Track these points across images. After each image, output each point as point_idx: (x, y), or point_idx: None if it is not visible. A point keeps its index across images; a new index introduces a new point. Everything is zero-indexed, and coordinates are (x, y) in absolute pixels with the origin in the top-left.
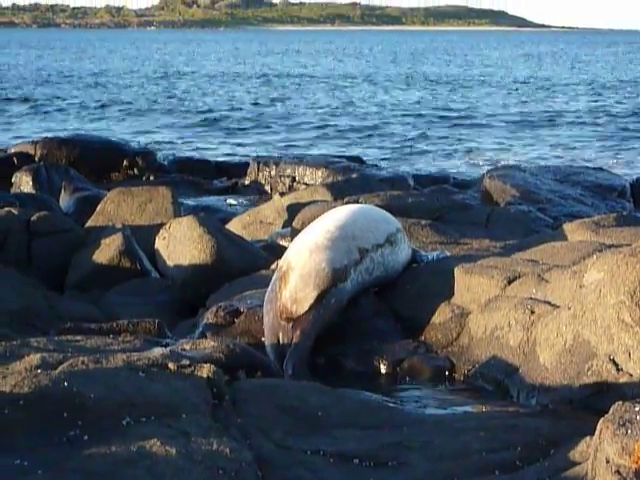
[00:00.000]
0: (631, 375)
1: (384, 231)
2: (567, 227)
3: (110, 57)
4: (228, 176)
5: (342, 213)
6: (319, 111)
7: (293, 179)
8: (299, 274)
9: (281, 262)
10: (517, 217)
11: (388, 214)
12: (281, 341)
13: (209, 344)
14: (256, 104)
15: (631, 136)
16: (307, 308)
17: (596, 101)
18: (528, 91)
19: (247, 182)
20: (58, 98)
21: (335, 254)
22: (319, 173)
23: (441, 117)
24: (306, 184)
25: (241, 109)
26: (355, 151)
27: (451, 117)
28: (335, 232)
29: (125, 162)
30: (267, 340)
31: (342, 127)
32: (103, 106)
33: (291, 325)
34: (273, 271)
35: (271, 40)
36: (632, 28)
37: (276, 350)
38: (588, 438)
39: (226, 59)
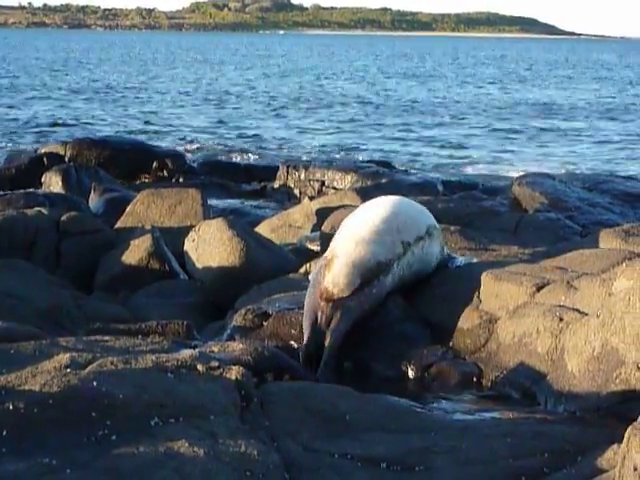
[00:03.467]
0: None
1: (424, 223)
2: (596, 235)
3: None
4: (257, 179)
5: (386, 205)
6: None
7: (322, 183)
8: (344, 262)
9: (327, 253)
10: (546, 224)
11: (424, 208)
12: (319, 320)
13: (237, 346)
14: None
15: None
16: (348, 293)
17: None
18: None
19: (276, 186)
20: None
21: (380, 248)
22: (348, 177)
23: None
24: (335, 188)
25: None
26: None
27: None
28: (380, 225)
29: (155, 164)
30: (305, 320)
31: None
32: None
33: (331, 305)
34: (302, 274)
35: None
36: None
37: (313, 329)
38: (616, 446)
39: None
